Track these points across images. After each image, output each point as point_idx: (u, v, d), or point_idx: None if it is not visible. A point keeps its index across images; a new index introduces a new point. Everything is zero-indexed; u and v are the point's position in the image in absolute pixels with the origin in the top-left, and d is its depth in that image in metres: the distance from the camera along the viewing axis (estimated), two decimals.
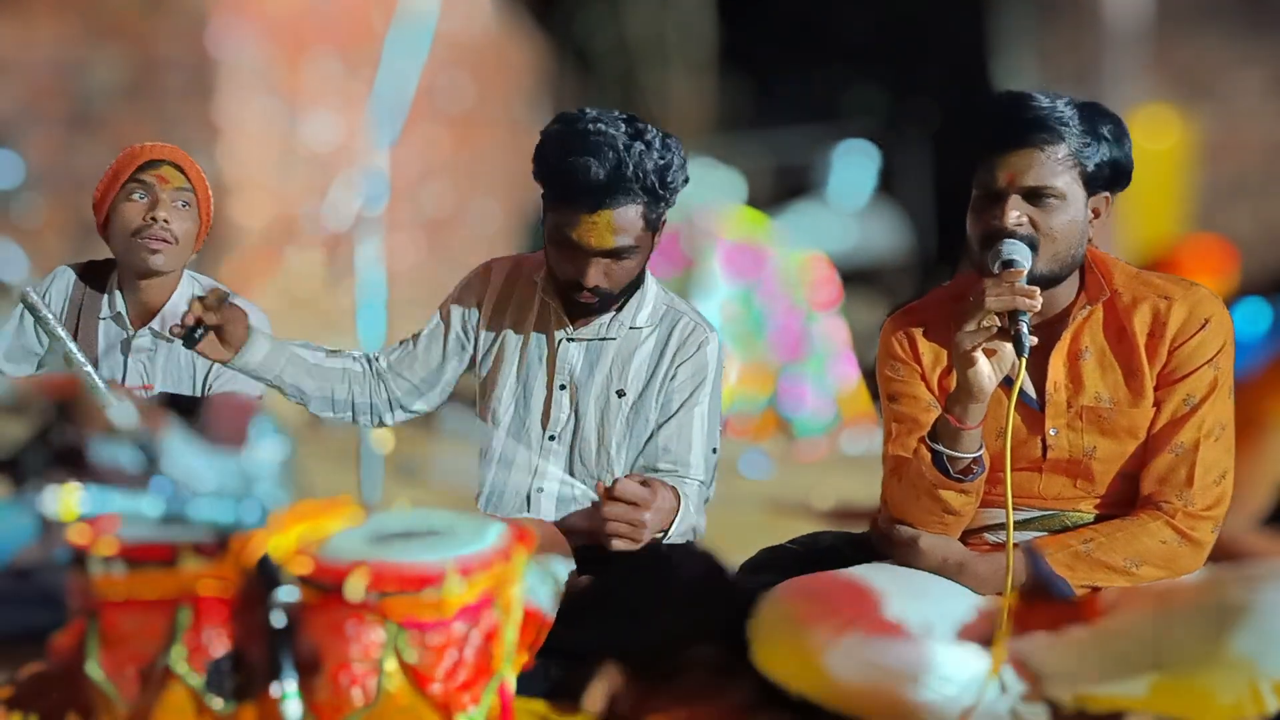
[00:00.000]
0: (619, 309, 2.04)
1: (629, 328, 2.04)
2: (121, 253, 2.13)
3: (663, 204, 1.95)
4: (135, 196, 2.08)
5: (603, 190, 1.85)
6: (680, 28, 9.20)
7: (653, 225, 1.95)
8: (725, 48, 9.05)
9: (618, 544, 1.83)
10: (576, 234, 1.88)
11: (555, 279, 1.99)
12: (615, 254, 1.91)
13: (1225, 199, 6.28)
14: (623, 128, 1.89)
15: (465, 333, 2.11)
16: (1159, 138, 6.01)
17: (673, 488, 1.92)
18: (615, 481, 1.83)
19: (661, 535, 1.90)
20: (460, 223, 6.83)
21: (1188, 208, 6.15)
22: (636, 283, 2.03)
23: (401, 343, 2.15)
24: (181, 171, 2.10)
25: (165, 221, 2.07)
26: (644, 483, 1.85)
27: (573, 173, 1.85)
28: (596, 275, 1.91)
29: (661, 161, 1.89)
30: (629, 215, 1.89)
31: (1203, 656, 1.59)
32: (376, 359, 2.12)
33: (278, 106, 5.37)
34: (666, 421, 2.02)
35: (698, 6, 9.11)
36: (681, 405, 2.02)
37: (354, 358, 2.11)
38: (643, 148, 1.87)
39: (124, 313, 2.15)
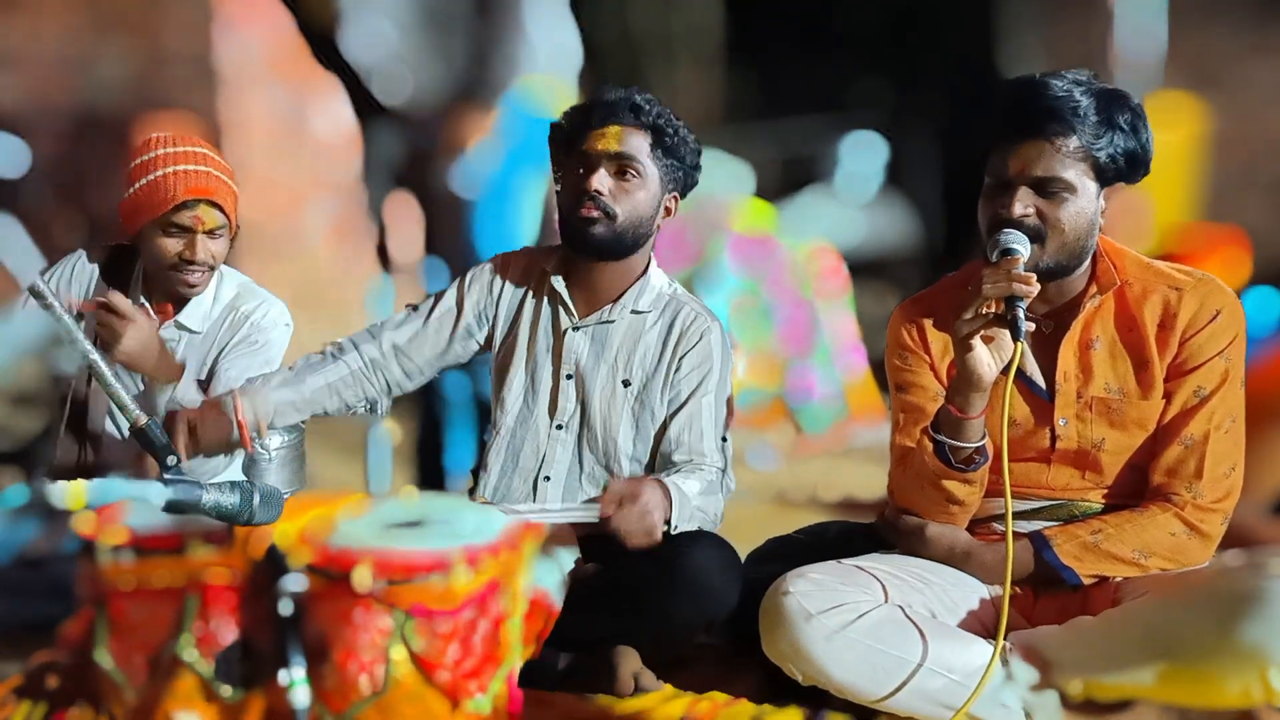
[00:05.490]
0: (619, 297, 2.06)
1: (631, 311, 2.06)
2: (155, 272, 2.12)
3: (673, 166, 2.04)
4: (172, 232, 2.06)
5: (610, 107, 2.02)
6: (686, 20, 9.17)
7: (660, 169, 2.03)
8: (731, 40, 9.02)
9: (637, 542, 1.84)
10: (586, 145, 2.02)
11: (562, 217, 2.05)
12: (620, 163, 2.00)
13: (1235, 189, 6.24)
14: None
15: (477, 322, 2.13)
16: (1169, 127, 5.97)
17: (656, 479, 1.91)
18: (605, 488, 1.87)
19: (667, 526, 1.88)
20: None
21: (1198, 197, 6.11)
22: (640, 269, 2.08)
23: (408, 315, 2.14)
24: (217, 207, 2.06)
25: (202, 259, 2.07)
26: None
27: (590, 101, 2.05)
28: (600, 180, 1.99)
29: (672, 119, 2.03)
30: (634, 138, 2.01)
31: (1211, 644, 1.58)
32: (377, 337, 2.11)
33: (284, 98, 5.37)
34: (677, 413, 2.02)
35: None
36: (690, 396, 2.02)
37: (333, 357, 2.10)
38: (656, 103, 2.04)
39: (147, 305, 2.15)
